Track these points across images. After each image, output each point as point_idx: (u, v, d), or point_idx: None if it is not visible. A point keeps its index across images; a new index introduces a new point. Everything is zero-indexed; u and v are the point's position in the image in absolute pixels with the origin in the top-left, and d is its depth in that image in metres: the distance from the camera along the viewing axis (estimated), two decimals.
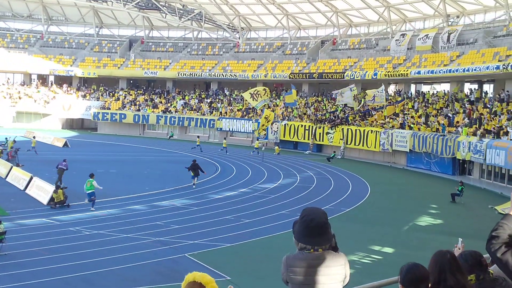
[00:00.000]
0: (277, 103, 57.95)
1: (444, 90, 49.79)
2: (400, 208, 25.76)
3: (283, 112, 55.52)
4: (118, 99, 66.59)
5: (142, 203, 23.82)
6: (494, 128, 34.68)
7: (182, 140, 57.85)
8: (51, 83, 70.59)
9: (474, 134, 34.93)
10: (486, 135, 33.99)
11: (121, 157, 40.74)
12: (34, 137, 41.70)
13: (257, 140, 49.64)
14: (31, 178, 25.76)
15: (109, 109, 64.19)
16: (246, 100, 48.65)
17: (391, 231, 20.61)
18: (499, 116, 37.00)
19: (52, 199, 22.48)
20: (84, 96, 67.47)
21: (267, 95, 43.61)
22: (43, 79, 70.66)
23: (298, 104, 54.70)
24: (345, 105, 51.78)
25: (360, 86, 54.32)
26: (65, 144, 45.76)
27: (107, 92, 68.71)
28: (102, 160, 38.39)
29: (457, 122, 39.52)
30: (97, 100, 66.51)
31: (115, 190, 26.40)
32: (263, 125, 42.97)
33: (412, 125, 42.19)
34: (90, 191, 22.25)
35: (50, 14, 73.36)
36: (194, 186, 28.58)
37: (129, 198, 24.75)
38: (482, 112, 39.17)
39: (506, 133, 32.99)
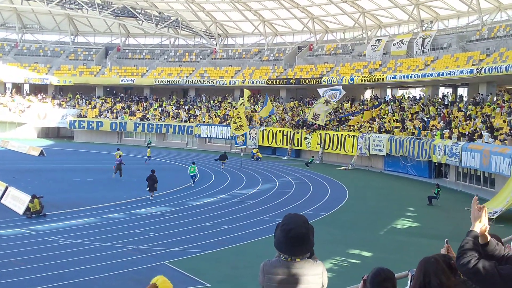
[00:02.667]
0: (256, 109, 57.92)
1: (420, 94, 50.41)
2: (378, 211, 25.95)
3: (261, 118, 55.59)
4: (95, 107, 66.02)
5: (120, 211, 23.60)
6: (469, 132, 35.17)
7: (160, 147, 57.54)
8: (26, 92, 69.73)
9: (450, 137, 35.41)
10: (461, 138, 34.46)
11: (98, 165, 40.36)
12: (148, 145, 45.95)
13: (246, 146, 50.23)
14: (6, 188, 25.36)
15: (86, 117, 63.61)
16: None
17: (369, 235, 20.75)
18: (474, 120, 37.55)
19: (28, 209, 22.17)
20: (60, 105, 66.74)
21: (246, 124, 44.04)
22: (18, 87, 69.69)
23: (276, 110, 54.84)
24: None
25: None
26: (41, 153, 45.17)
27: (83, 100, 68.07)
28: (79, 169, 38.04)
29: (433, 125, 40.00)
30: (73, 108, 65.85)
31: (92, 198, 26.15)
32: (237, 124, 42.11)
33: (394, 130, 42.35)
34: (192, 174, 32.08)
35: (25, 22, 72.54)
36: (222, 169, 38.72)
37: (107, 207, 24.49)
38: (457, 115, 39.71)
39: (481, 136, 33.49)
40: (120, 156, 35.31)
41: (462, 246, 3.62)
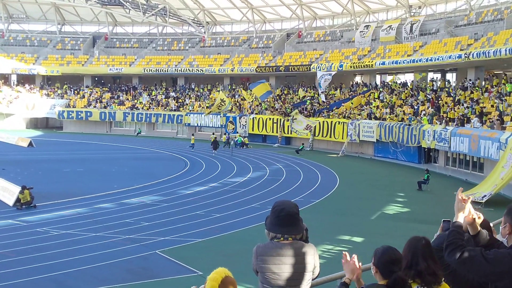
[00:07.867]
0: (244, 97, 57.72)
1: (409, 80, 50.51)
2: (368, 197, 26.10)
3: (251, 106, 55.53)
4: (83, 96, 65.60)
5: (111, 201, 23.57)
6: (457, 117, 35.33)
7: (150, 137, 57.40)
8: (14, 83, 69.11)
9: (439, 123, 35.56)
10: (450, 123, 34.63)
11: (88, 156, 40.22)
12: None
13: (236, 133, 50.10)
14: None
15: (74, 107, 63.20)
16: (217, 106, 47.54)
17: (360, 221, 20.89)
18: (462, 104, 37.71)
19: (18, 200, 22.08)
20: (48, 95, 66.24)
21: (228, 102, 47.50)
22: (5, 78, 68.97)
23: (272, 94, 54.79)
24: (312, 97, 52.24)
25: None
26: (30, 144, 44.90)
27: (71, 90, 67.60)
28: (69, 159, 37.84)
29: (422, 111, 40.12)
30: (62, 98, 65.40)
31: (83, 188, 26.07)
32: (217, 106, 46.07)
33: (386, 117, 42.34)
34: (239, 142, 45.97)
35: (11, 12, 71.67)
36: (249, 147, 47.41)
37: (97, 197, 24.44)
38: (446, 100, 39.86)
39: (469, 121, 33.67)
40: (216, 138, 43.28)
41: (447, 239, 3.67)
